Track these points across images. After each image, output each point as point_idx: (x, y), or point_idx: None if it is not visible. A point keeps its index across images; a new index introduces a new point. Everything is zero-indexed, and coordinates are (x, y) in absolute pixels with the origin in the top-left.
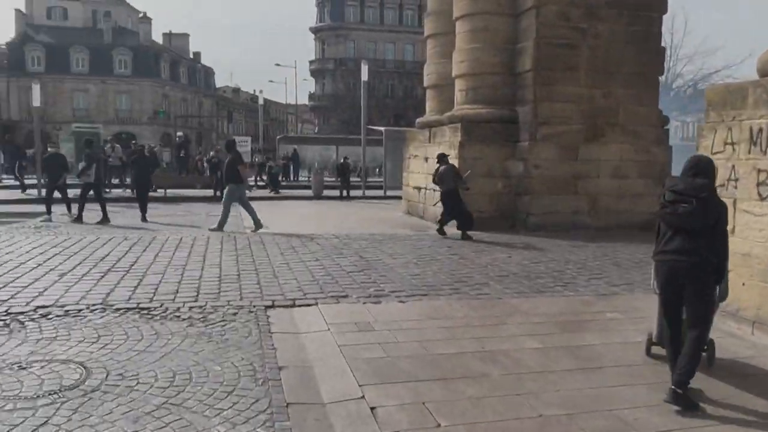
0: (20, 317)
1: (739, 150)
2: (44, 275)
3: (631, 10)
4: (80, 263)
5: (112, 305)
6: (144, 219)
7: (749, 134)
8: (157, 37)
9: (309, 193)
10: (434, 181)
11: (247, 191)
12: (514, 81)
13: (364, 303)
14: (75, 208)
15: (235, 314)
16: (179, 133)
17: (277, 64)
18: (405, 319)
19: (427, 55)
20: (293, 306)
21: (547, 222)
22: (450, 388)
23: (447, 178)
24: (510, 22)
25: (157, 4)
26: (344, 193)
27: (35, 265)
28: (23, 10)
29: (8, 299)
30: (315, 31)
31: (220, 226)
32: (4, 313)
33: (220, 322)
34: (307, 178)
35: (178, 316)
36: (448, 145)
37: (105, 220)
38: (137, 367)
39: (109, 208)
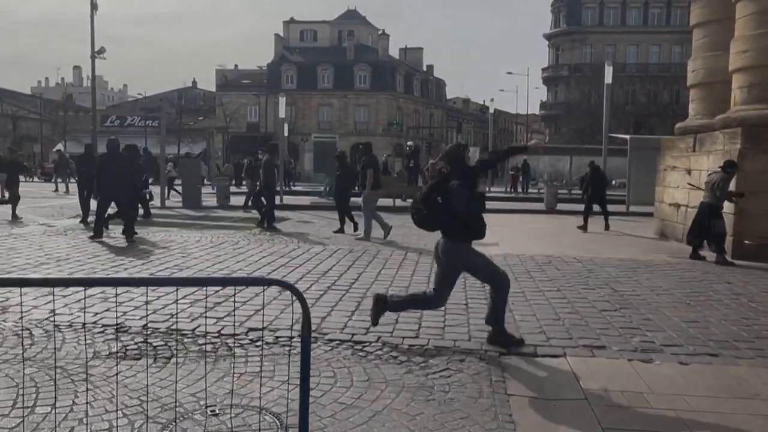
0: (230, 341)
1: None
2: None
3: None
4: (302, 277)
5: (326, 334)
6: (340, 230)
7: None
8: (394, 51)
9: (540, 206)
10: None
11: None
12: None
13: (630, 360)
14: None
15: (461, 361)
16: (409, 143)
17: (509, 73)
18: (694, 394)
19: (693, 48)
20: (534, 355)
21: None
22: None
23: (722, 188)
24: None
25: (395, 20)
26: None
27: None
28: (281, 34)
29: (225, 316)
30: (549, 37)
31: (367, 236)
32: (216, 335)
33: (443, 370)
34: (537, 191)
35: (395, 357)
36: (722, 154)
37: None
38: (341, 429)
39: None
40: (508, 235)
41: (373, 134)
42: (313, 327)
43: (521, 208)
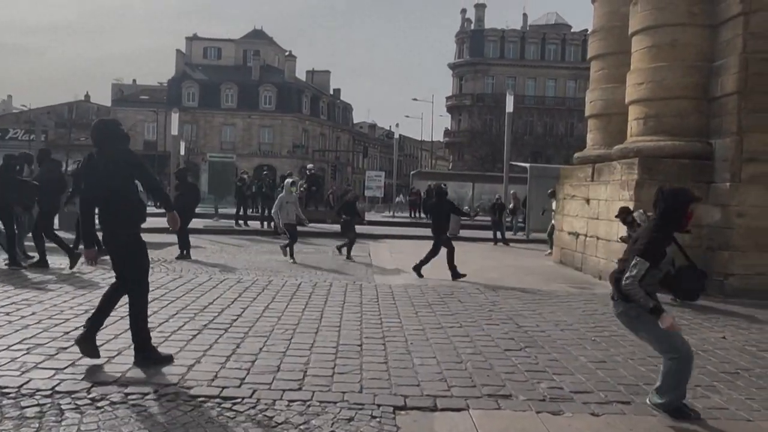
0: (65, 401)
1: None
2: (128, 329)
3: None
4: (177, 313)
5: (190, 388)
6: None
7: None
8: (301, 74)
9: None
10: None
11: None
12: (708, 107)
13: (538, 412)
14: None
15: (350, 420)
16: (309, 166)
17: (414, 99)
18: None
19: (591, 79)
20: (434, 409)
21: (752, 286)
22: None
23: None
24: (705, 34)
25: (302, 43)
26: (498, 236)
27: (125, 314)
28: (183, 50)
29: (67, 366)
30: (453, 67)
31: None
32: (48, 392)
33: None
34: None
35: (270, 417)
36: (619, 184)
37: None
38: None
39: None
40: (411, 263)
41: (277, 156)
42: (176, 380)
43: (424, 234)
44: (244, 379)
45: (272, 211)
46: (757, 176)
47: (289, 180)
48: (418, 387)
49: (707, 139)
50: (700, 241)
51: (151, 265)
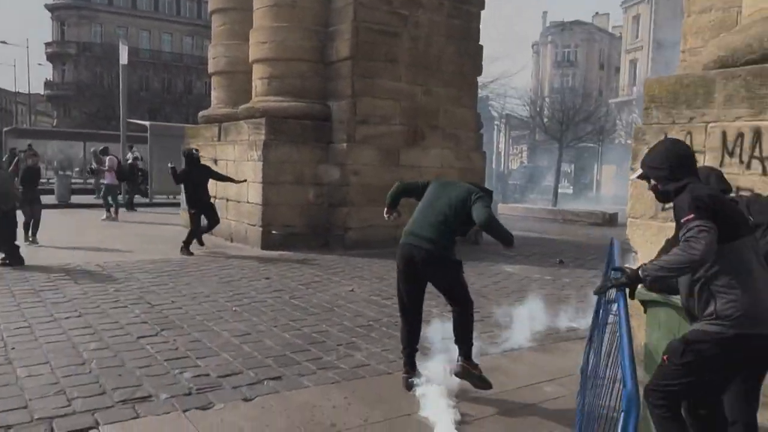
0: None
1: (705, 161)
2: None
3: (451, 1)
4: None
5: None
6: None
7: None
8: None
9: (50, 199)
10: None
11: None
12: (326, 71)
13: (185, 410)
14: None
15: None
16: None
17: (4, 42)
18: None
19: (213, 34)
20: None
21: (366, 238)
22: None
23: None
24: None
25: None
26: (132, 202)
27: None
28: None
29: None
30: (52, 9)
31: None
32: None
33: None
34: (47, 179)
35: None
36: (248, 144)
37: None
38: None
39: None
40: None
41: None
42: None
43: None
44: None
45: None
46: (369, 137)
47: None
48: (26, 409)
49: (326, 101)
50: (323, 198)
51: None
